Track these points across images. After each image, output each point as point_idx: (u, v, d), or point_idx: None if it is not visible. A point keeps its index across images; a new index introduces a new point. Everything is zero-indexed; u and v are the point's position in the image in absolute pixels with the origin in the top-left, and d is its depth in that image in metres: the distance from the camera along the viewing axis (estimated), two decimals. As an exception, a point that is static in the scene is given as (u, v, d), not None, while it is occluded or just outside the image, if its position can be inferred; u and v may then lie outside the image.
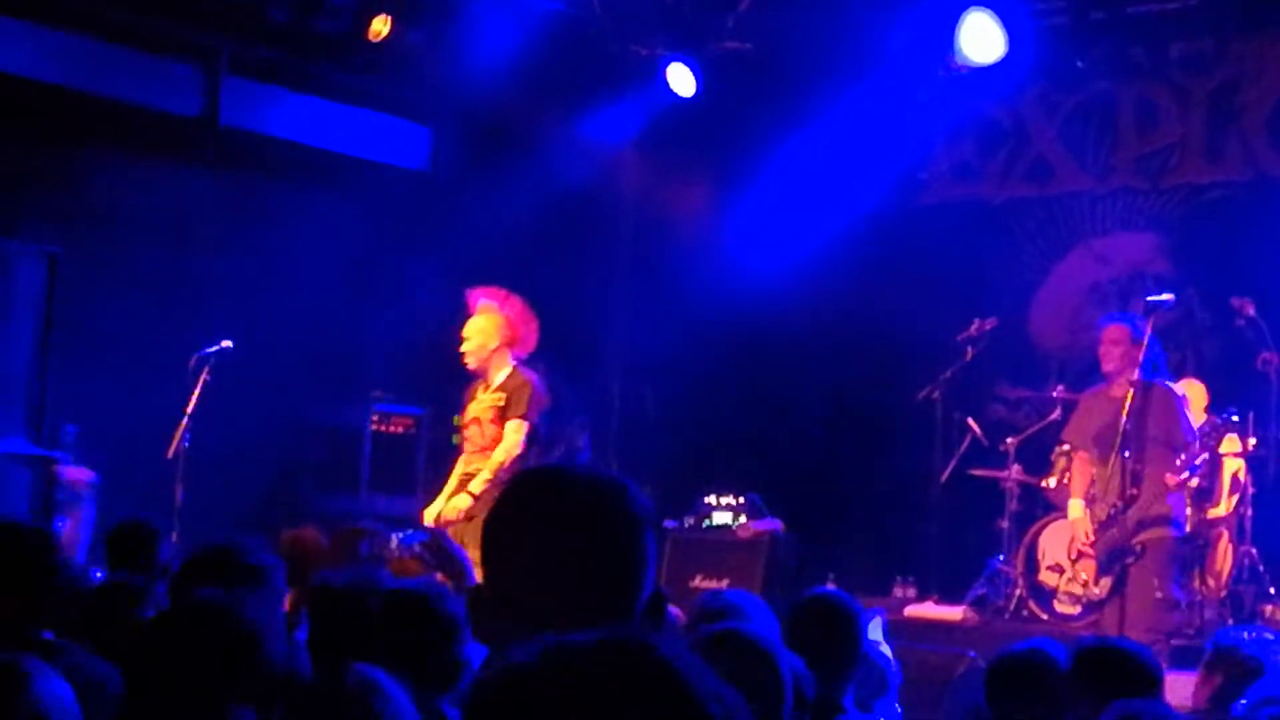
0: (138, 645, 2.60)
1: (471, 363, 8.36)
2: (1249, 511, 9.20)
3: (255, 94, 10.64)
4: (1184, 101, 11.20)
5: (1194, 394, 9.78)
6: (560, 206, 11.27)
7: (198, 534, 8.21)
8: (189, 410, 8.50)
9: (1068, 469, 9.51)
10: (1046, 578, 9.34)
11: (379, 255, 10.86)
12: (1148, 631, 7.73)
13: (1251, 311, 9.45)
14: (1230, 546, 9.30)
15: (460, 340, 8.39)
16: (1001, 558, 9.68)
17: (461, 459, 8.45)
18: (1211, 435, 9.50)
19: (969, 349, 9.97)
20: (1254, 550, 9.18)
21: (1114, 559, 8.22)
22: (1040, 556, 9.39)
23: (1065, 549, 9.27)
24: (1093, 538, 8.35)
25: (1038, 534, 9.45)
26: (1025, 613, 9.34)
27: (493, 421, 8.26)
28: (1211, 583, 9.30)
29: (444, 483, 8.46)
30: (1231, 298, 9.63)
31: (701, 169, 11.76)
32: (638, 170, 12.24)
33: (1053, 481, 9.60)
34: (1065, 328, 11.58)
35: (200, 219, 10.30)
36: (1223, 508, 9.46)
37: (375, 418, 10.52)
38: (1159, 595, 8.16)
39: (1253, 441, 9.49)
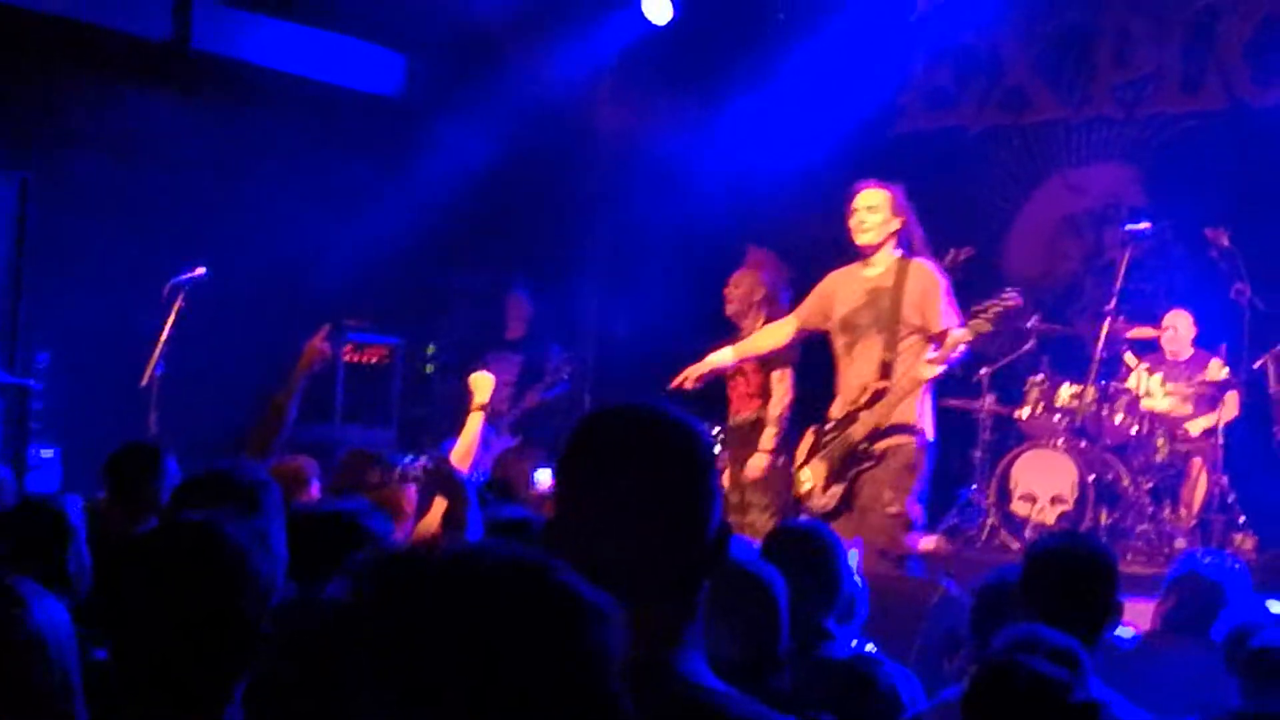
0: (119, 567, 2.60)
1: (732, 310, 8.69)
2: (1221, 441, 9.25)
3: (228, 18, 10.53)
4: (1161, 31, 11.17)
5: (1182, 324, 9.84)
6: (536, 133, 11.22)
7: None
8: (163, 337, 8.47)
9: (1040, 399, 9.55)
10: (1018, 507, 9.40)
11: (353, 182, 10.79)
12: (881, 553, 6.99)
13: (1226, 242, 9.46)
14: (1204, 476, 9.35)
15: None
16: (974, 487, 9.73)
17: (733, 403, 8.72)
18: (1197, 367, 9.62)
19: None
20: (1225, 480, 9.25)
21: (848, 465, 7.22)
22: (1012, 486, 9.44)
23: (1037, 479, 9.33)
24: (691, 385, 7.70)
25: (1010, 464, 9.49)
26: (997, 542, 9.40)
27: (755, 371, 8.52)
28: (1183, 512, 9.37)
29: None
30: (1206, 228, 9.63)
31: (677, 96, 11.68)
32: (614, 96, 12.17)
33: (1025, 412, 9.64)
34: (1040, 258, 11.60)
35: (173, 144, 10.20)
36: (1197, 427, 9.50)
37: (349, 347, 10.49)
38: (891, 510, 7.16)
39: (1225, 371, 9.55)
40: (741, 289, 8.68)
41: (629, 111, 11.94)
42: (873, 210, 7.35)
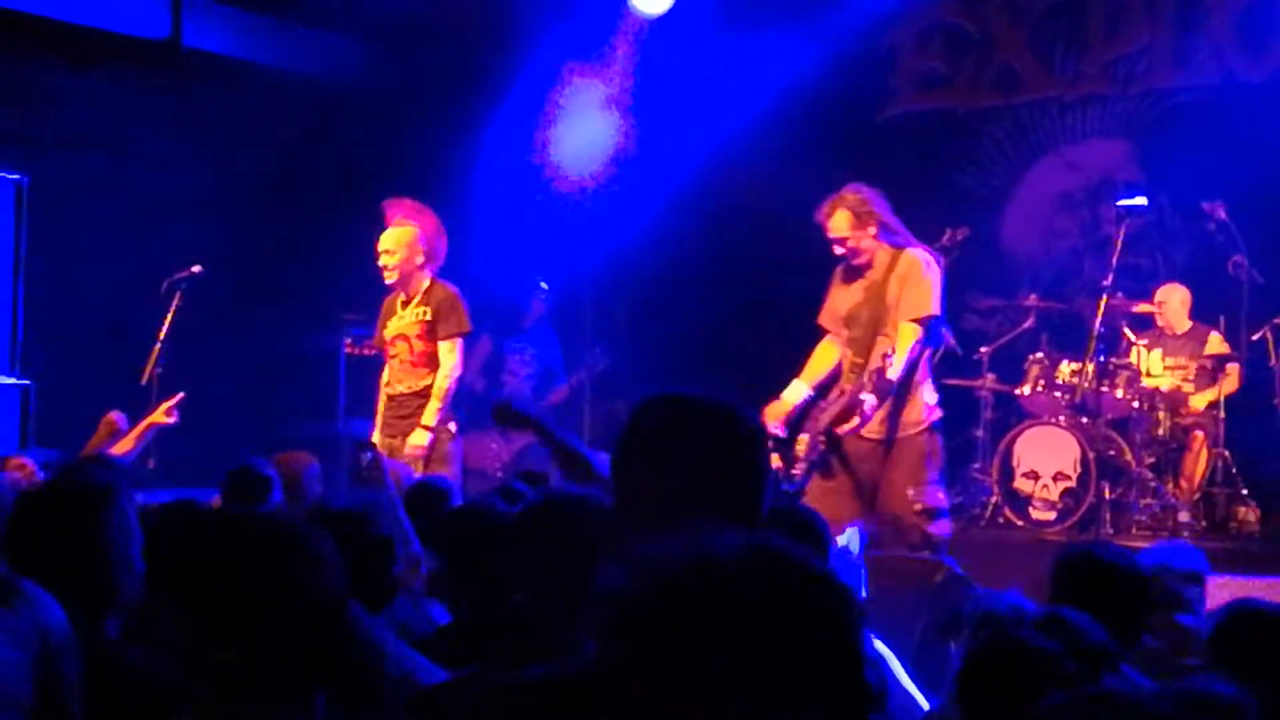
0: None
1: (393, 277, 8.05)
2: (1222, 415, 9.26)
3: (217, 15, 10.52)
4: (1152, 5, 11.17)
5: (1176, 298, 9.84)
6: (524, 123, 11.22)
7: (176, 460, 8.26)
8: (162, 336, 8.49)
9: (1041, 376, 9.56)
10: (1022, 485, 9.41)
11: (345, 176, 10.77)
12: (909, 551, 6.82)
13: (1223, 215, 9.47)
14: (1206, 450, 9.36)
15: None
16: (977, 466, 9.74)
17: (387, 373, 8.16)
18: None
19: (942, 258, 9.95)
20: (1226, 453, 9.25)
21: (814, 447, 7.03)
22: (1015, 464, 9.45)
23: (1040, 456, 9.33)
24: (781, 430, 7.01)
25: (1012, 442, 9.50)
26: (1001, 520, 9.42)
27: (420, 337, 7.99)
28: (1185, 485, 9.38)
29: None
30: (1202, 202, 9.64)
31: (662, 82, 11.65)
32: (605, 84, 12.14)
33: (1026, 389, 9.64)
34: (1036, 236, 11.61)
35: (167, 142, 10.21)
36: (1199, 401, 9.52)
37: (349, 341, 10.47)
38: (916, 507, 7.02)
39: (1225, 345, 9.56)
40: (401, 252, 8.01)
41: (615, 103, 11.90)
42: (851, 239, 7.23)
